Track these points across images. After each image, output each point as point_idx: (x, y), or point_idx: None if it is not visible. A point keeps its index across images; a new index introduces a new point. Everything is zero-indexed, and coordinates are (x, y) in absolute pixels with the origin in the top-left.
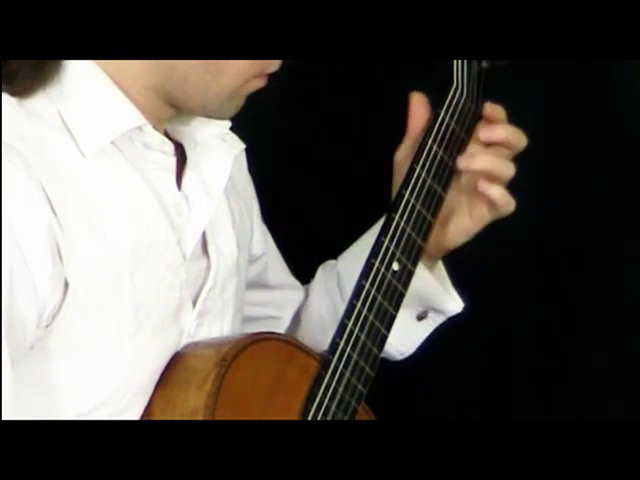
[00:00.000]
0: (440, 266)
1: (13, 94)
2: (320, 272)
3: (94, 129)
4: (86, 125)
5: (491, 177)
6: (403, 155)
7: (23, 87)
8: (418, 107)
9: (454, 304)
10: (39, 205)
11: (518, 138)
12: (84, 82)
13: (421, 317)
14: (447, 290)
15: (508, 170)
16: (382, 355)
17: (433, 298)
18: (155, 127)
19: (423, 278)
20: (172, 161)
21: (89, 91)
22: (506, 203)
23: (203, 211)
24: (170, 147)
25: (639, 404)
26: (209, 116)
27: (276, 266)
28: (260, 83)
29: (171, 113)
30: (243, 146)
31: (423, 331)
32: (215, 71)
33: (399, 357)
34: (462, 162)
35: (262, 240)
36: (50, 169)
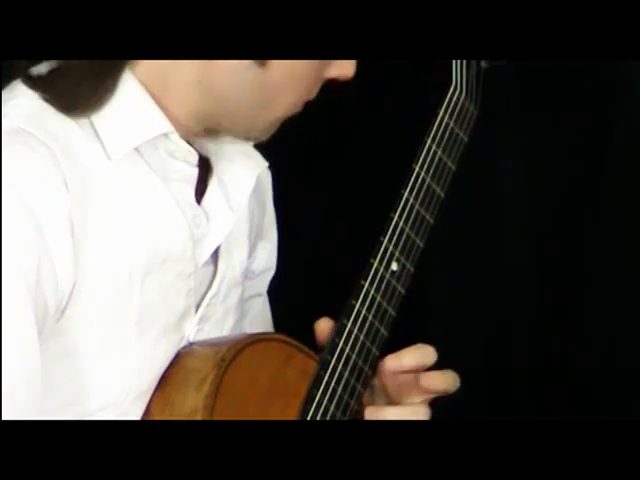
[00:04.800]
0: None
1: (66, 109)
2: None
3: (121, 133)
4: (114, 129)
5: None
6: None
7: (81, 104)
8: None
9: None
10: (62, 199)
11: (453, 384)
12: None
13: None
14: None
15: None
16: None
17: None
18: (182, 136)
19: None
20: (194, 172)
21: (118, 95)
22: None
23: (224, 224)
24: (194, 157)
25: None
26: (247, 139)
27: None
28: (298, 109)
29: (202, 135)
30: (266, 164)
31: None
32: (269, 103)
33: None
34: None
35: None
36: (74, 167)
